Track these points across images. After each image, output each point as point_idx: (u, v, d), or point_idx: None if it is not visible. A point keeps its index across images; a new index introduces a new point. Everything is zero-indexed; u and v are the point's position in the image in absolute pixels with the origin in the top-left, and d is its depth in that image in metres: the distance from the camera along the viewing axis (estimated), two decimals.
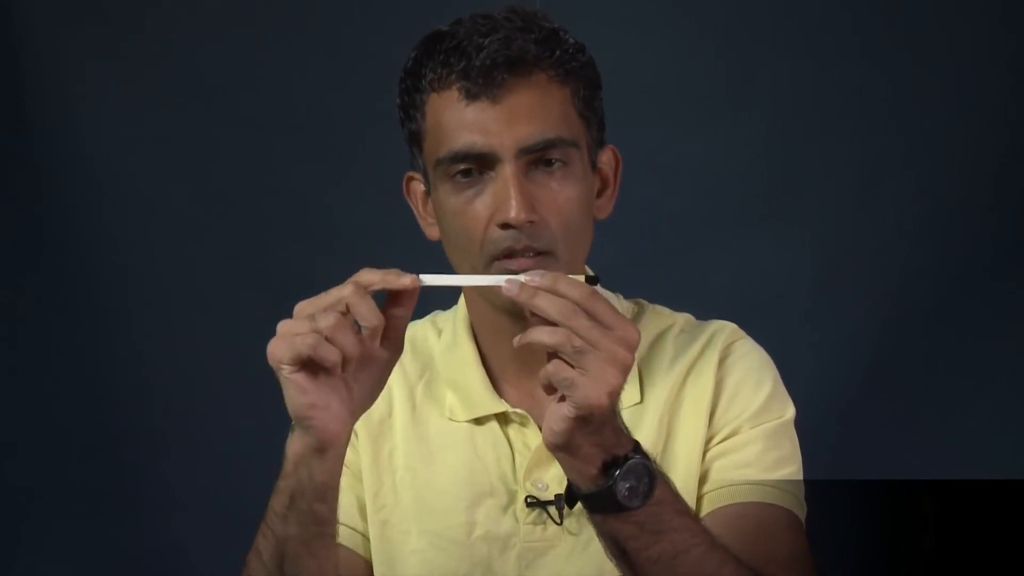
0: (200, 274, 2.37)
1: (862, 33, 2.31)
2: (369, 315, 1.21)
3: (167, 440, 2.37)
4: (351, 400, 1.25)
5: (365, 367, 1.25)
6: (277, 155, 2.37)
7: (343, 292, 1.21)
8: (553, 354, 1.20)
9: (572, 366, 1.18)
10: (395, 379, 1.47)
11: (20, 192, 2.36)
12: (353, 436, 1.44)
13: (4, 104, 2.35)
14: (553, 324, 1.19)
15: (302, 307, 1.22)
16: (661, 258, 2.26)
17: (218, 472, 2.34)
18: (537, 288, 1.20)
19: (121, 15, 2.38)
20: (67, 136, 2.36)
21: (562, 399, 1.20)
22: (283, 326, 1.21)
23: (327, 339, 1.20)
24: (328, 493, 1.27)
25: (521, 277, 1.21)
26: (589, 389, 1.18)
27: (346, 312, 1.21)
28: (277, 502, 1.27)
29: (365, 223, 2.34)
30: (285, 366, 1.21)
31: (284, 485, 1.27)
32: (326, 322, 1.20)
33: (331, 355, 1.20)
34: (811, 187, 2.32)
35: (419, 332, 1.52)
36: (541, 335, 1.19)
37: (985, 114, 2.28)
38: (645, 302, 1.52)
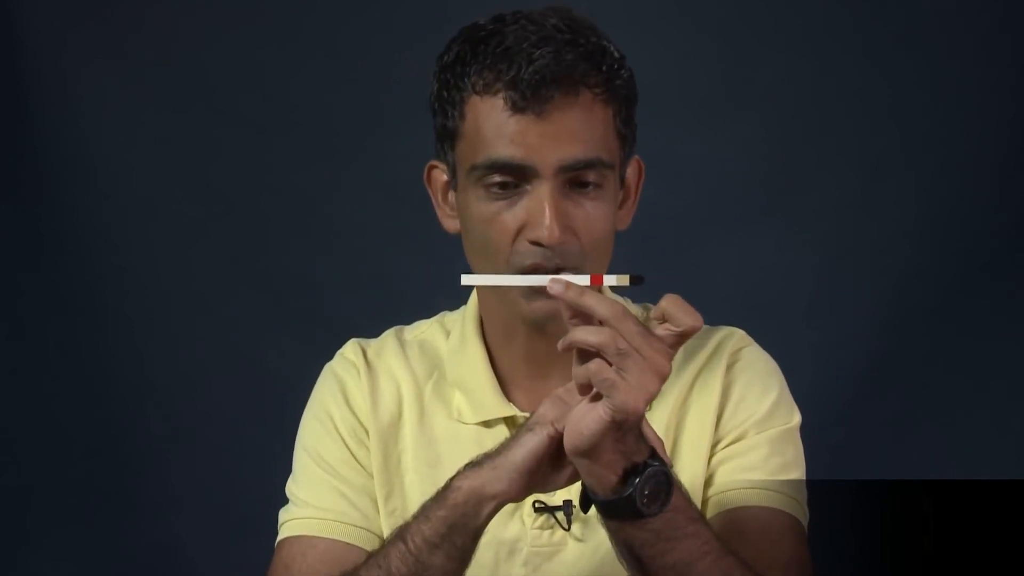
0: (200, 274, 2.37)
1: (862, 33, 2.31)
2: None
3: (167, 440, 2.37)
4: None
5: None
6: (277, 155, 2.37)
7: None
8: (591, 355, 1.19)
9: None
10: (404, 380, 1.46)
11: (20, 192, 2.36)
12: (364, 435, 1.44)
13: (4, 104, 2.35)
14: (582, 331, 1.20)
15: None
16: (661, 258, 2.25)
17: (218, 472, 2.34)
18: (583, 288, 1.20)
19: (122, 15, 2.37)
20: (67, 136, 2.36)
21: (592, 401, 1.21)
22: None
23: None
24: (480, 535, 1.29)
25: (567, 277, 1.21)
26: (628, 393, 1.18)
27: None
28: (429, 529, 1.28)
29: (365, 223, 2.34)
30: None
31: (445, 515, 1.28)
32: None
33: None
34: (811, 187, 2.32)
35: (427, 333, 1.51)
36: (586, 335, 1.19)
37: (986, 114, 2.28)
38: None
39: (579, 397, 1.23)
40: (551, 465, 1.26)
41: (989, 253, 2.28)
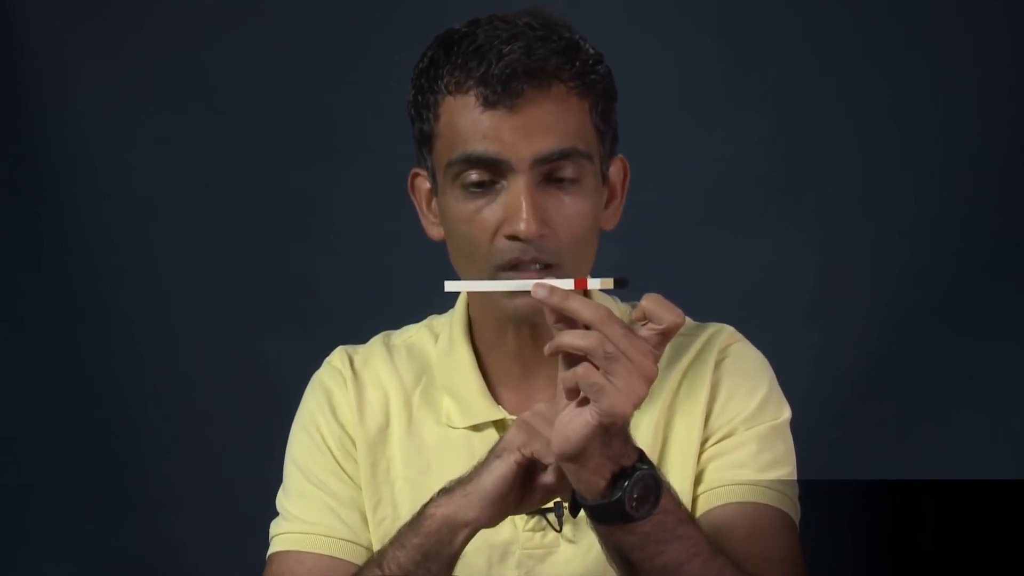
0: (200, 274, 2.37)
1: (862, 33, 2.31)
2: None
3: (167, 440, 2.37)
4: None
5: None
6: (277, 155, 2.37)
7: None
8: (577, 359, 1.19)
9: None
10: (392, 387, 1.46)
11: (20, 192, 2.36)
12: (351, 446, 1.44)
13: (4, 104, 2.35)
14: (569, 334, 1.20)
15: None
16: (660, 258, 2.26)
17: (218, 472, 2.34)
18: (568, 292, 1.20)
19: (122, 15, 2.38)
20: (67, 136, 2.36)
21: (580, 405, 1.20)
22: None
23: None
24: (455, 561, 1.30)
25: (551, 281, 1.21)
26: (616, 397, 1.18)
27: None
28: (405, 556, 1.30)
29: (365, 223, 2.34)
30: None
31: (420, 542, 1.29)
32: None
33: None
34: (811, 187, 2.32)
35: (416, 337, 1.50)
36: (573, 339, 1.19)
37: (985, 114, 2.28)
38: None
39: (556, 413, 1.23)
40: (521, 489, 1.27)
41: (989, 253, 2.28)
